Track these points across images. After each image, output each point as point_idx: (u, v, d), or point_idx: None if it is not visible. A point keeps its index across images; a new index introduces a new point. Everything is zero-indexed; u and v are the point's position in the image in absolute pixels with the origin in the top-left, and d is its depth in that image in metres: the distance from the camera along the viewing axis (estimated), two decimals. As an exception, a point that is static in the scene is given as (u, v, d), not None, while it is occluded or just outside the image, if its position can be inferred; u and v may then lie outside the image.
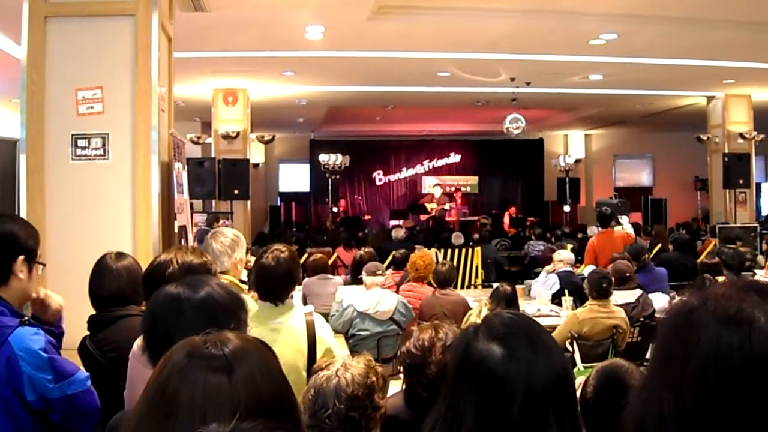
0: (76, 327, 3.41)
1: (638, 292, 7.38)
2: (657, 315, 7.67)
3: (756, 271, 10.41)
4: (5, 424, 2.57)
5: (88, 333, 3.55)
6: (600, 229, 10.15)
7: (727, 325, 1.21)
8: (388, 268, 8.67)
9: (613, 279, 6.86)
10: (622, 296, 7.05)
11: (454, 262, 11.12)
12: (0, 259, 2.72)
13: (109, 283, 3.54)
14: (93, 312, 3.59)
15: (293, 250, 3.91)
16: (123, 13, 5.15)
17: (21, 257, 2.72)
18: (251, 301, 4.05)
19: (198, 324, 2.03)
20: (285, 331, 3.61)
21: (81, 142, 5.04)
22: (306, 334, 3.65)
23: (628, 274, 7.38)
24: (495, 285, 6.90)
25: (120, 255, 3.69)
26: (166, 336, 2.12)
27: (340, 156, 19.98)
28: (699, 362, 1.22)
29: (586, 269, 8.60)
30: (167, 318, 2.15)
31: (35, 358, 2.60)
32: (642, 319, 7.17)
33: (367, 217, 21.98)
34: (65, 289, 4.63)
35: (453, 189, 22.44)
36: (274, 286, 3.71)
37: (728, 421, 1.18)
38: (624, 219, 10.35)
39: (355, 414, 2.67)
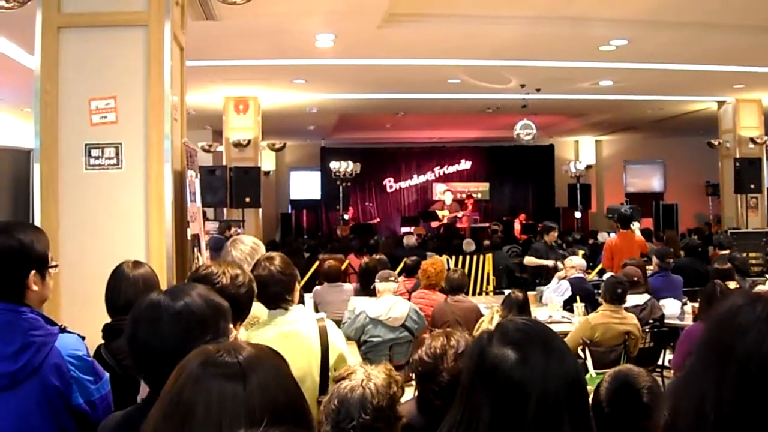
0: (90, 335, 3.42)
1: (646, 296, 7.45)
2: (668, 321, 7.70)
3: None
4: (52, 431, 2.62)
5: (102, 341, 3.58)
6: (620, 230, 10.16)
7: None
8: (399, 275, 8.67)
9: (628, 286, 6.90)
10: (631, 299, 7.07)
11: (466, 269, 11.14)
12: (13, 276, 2.69)
13: (126, 291, 3.57)
14: (107, 320, 3.62)
15: (282, 255, 3.88)
16: (136, 23, 5.17)
17: (32, 272, 2.70)
18: (264, 309, 4.04)
19: (173, 333, 2.08)
20: (297, 337, 3.61)
21: (94, 152, 5.06)
22: (319, 340, 3.66)
23: (636, 278, 7.45)
24: (507, 292, 6.91)
25: (137, 264, 3.72)
26: (145, 343, 2.16)
27: (350, 163, 20.01)
28: (743, 358, 1.28)
29: (606, 274, 8.58)
30: (146, 325, 2.18)
31: (82, 363, 2.69)
32: (651, 321, 7.21)
33: (376, 220, 21.99)
34: (79, 298, 4.69)
35: (464, 196, 22.44)
36: (273, 292, 3.70)
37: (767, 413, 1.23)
38: (635, 225, 10.37)
39: (380, 425, 2.68)
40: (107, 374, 2.86)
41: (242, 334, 3.76)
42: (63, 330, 2.74)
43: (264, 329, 3.67)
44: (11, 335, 2.60)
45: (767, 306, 1.34)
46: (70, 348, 2.67)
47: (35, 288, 2.72)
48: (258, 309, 4.10)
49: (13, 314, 2.65)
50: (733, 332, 1.32)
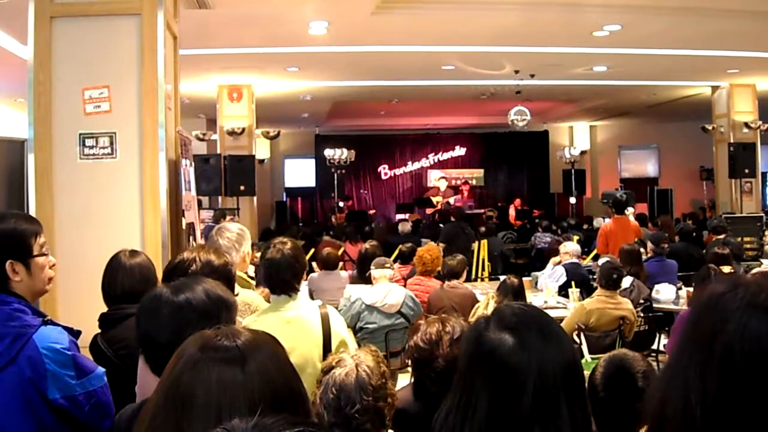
0: (86, 325, 3.43)
1: (630, 278, 7.53)
2: (663, 306, 7.74)
3: (762, 260, 10.42)
4: (28, 424, 2.58)
5: (99, 330, 3.58)
6: (615, 215, 10.19)
7: (755, 310, 1.29)
8: (394, 262, 8.67)
9: (623, 271, 6.95)
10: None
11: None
12: None
13: (122, 280, 3.56)
14: (103, 310, 3.61)
15: (295, 241, 3.96)
16: (128, 12, 5.15)
17: (9, 261, 2.68)
18: (259, 297, 4.09)
19: (170, 326, 2.09)
20: (300, 323, 3.63)
21: (88, 141, 5.05)
22: (321, 326, 3.67)
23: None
24: (502, 278, 6.92)
25: (133, 253, 3.71)
26: (146, 334, 2.18)
27: (345, 151, 19.97)
28: (726, 344, 1.30)
29: (601, 259, 8.64)
30: (147, 317, 2.21)
31: (60, 356, 2.62)
32: (642, 302, 7.26)
33: (372, 212, 21.99)
34: (75, 288, 4.69)
35: (459, 182, 22.45)
36: (283, 277, 3.73)
37: (751, 403, 1.24)
38: (630, 210, 10.40)
39: (381, 404, 2.71)
40: (100, 369, 2.79)
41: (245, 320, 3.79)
42: (47, 322, 2.69)
43: (266, 315, 3.69)
44: None
45: (748, 292, 1.34)
46: (49, 341, 2.62)
47: (16, 278, 2.70)
48: (250, 296, 4.13)
49: None
50: (715, 320, 1.33)
